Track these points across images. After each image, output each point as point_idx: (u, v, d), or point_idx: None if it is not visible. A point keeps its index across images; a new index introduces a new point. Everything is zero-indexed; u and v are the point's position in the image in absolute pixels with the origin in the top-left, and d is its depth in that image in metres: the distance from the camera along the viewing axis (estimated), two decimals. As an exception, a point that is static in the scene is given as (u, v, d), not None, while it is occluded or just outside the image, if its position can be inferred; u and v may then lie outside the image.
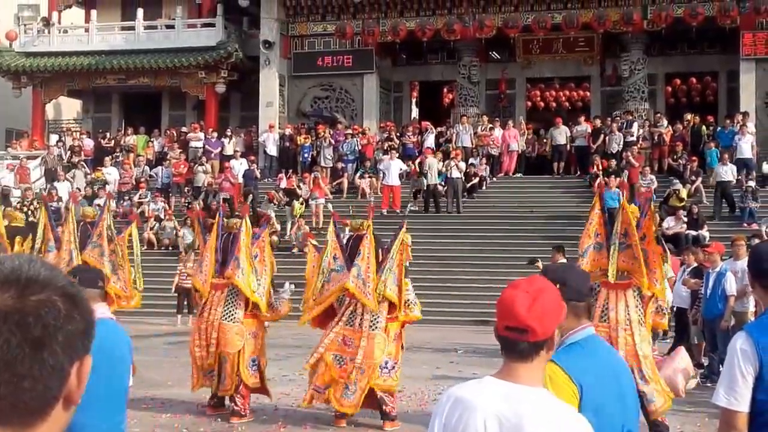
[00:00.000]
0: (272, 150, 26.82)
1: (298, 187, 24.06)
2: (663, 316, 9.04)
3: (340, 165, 25.30)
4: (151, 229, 23.27)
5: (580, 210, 22.74)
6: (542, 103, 31.71)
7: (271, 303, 10.03)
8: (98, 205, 16.07)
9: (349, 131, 26.28)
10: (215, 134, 27.29)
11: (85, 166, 27.13)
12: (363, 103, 28.06)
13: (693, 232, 20.02)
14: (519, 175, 25.35)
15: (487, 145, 25.29)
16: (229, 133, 27.45)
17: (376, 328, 9.19)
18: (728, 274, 11.62)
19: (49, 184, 26.34)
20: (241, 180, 24.85)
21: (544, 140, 26.08)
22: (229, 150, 26.66)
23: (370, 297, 9.18)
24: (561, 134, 25.01)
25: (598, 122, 25.04)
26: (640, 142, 24.24)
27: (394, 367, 9.27)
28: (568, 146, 25.01)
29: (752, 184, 21.66)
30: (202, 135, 27.28)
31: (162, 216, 23.95)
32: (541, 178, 25.15)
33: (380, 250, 9.58)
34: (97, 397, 3.18)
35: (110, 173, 26.47)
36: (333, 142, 25.85)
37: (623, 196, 9.69)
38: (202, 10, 30.28)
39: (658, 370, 8.38)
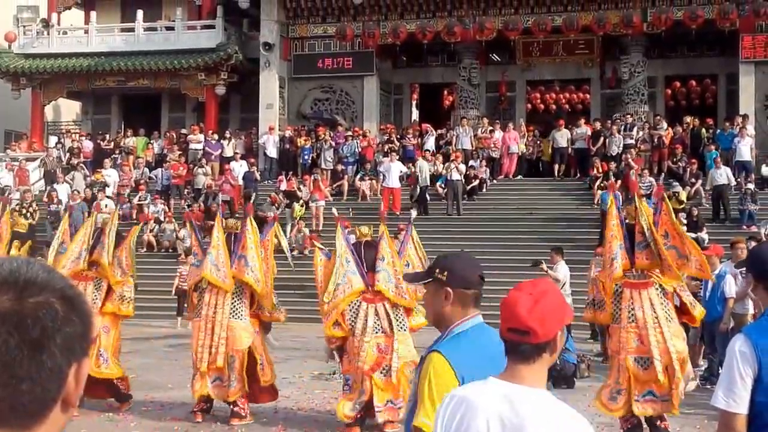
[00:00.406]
0: (272, 152, 26.78)
1: (298, 189, 24.04)
2: (695, 307, 8.88)
3: (340, 167, 25.28)
4: (151, 231, 23.22)
5: (579, 212, 22.85)
6: (542, 106, 31.72)
7: (275, 303, 10.04)
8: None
9: (350, 133, 26.28)
10: (215, 136, 27.24)
11: (85, 168, 27.06)
12: (363, 105, 28.03)
13: (692, 235, 19.97)
14: (519, 177, 25.37)
15: (487, 148, 25.29)
16: (228, 135, 27.44)
17: (403, 329, 9.27)
18: (727, 276, 11.62)
19: (48, 186, 26.32)
20: (241, 182, 24.82)
21: (539, 141, 26.06)
22: (228, 152, 26.63)
23: (406, 297, 9.30)
24: (563, 136, 24.99)
25: (597, 125, 25.06)
26: (640, 144, 24.25)
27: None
28: (569, 149, 25.03)
29: (751, 186, 21.65)
30: (201, 137, 27.24)
31: (162, 218, 23.89)
32: (541, 181, 25.17)
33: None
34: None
35: (110, 175, 26.41)
36: (333, 144, 25.84)
37: (629, 196, 9.71)
38: (202, 12, 30.25)
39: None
